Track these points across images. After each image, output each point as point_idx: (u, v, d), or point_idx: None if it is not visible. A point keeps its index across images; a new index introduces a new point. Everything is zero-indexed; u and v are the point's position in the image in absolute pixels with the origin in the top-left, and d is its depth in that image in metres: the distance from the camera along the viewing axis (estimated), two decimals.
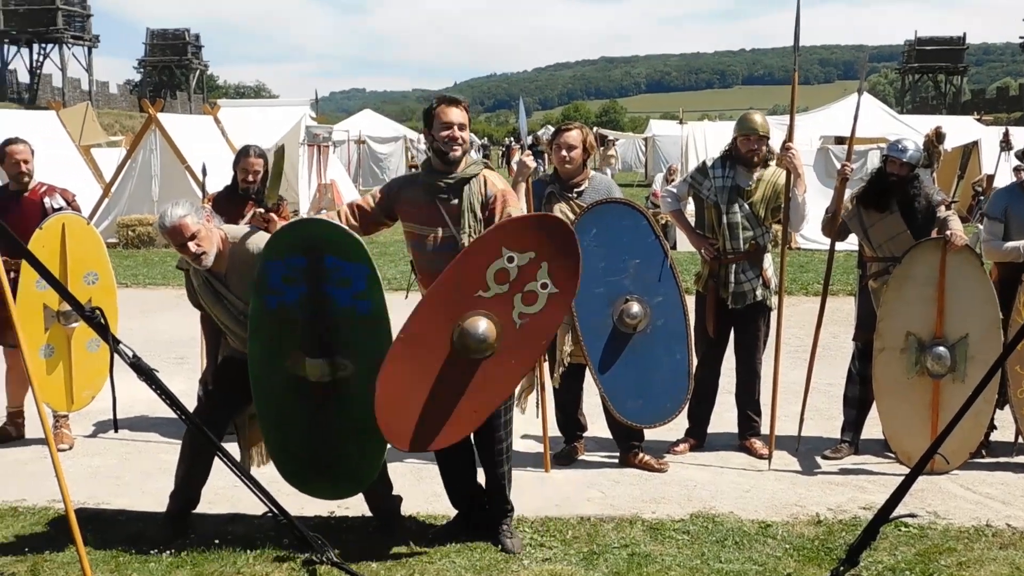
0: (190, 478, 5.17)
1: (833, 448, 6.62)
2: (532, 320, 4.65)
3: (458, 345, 4.64)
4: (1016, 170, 14.02)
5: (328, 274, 4.76)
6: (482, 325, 4.61)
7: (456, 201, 4.94)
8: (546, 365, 6.23)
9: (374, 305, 4.79)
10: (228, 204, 6.59)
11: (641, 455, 6.32)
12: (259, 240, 5.04)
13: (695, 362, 6.34)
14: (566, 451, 6.49)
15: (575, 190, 6.24)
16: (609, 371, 6.11)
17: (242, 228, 5.22)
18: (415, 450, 4.82)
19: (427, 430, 4.71)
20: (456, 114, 4.92)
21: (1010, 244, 6.34)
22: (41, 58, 61.87)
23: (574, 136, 6.20)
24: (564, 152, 6.19)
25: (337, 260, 4.75)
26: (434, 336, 4.65)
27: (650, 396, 6.15)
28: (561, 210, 6.18)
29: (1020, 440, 6.39)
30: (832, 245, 6.65)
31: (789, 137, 6.30)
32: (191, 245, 4.91)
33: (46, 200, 6.70)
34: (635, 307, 6.06)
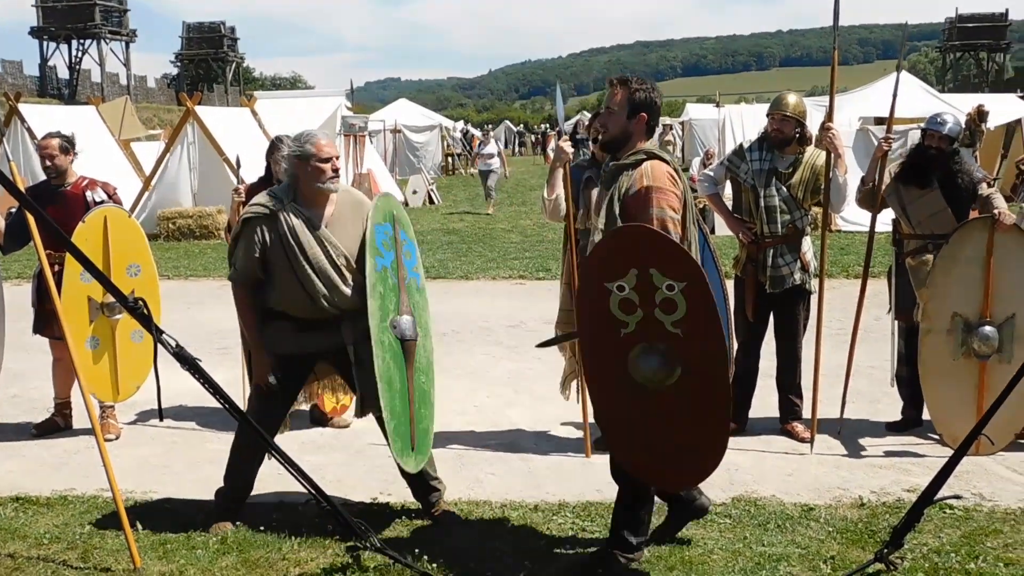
0: (240, 465, 5.24)
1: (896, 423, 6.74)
2: (689, 322, 4.16)
3: (645, 382, 4.27)
4: None
5: (401, 245, 5.12)
6: (654, 357, 4.22)
7: (609, 193, 4.51)
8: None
9: (421, 279, 5.26)
10: None
11: None
12: (356, 193, 5.32)
13: (735, 347, 6.30)
14: None
15: None
16: None
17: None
18: (681, 489, 4.78)
19: (681, 466, 4.44)
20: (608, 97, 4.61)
21: None
22: (80, 54, 62.59)
23: None
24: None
25: (404, 234, 5.15)
26: (619, 383, 4.35)
27: None
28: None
29: None
30: (872, 225, 6.57)
31: (829, 118, 6.25)
32: (337, 162, 5.06)
33: (88, 194, 6.78)
34: None
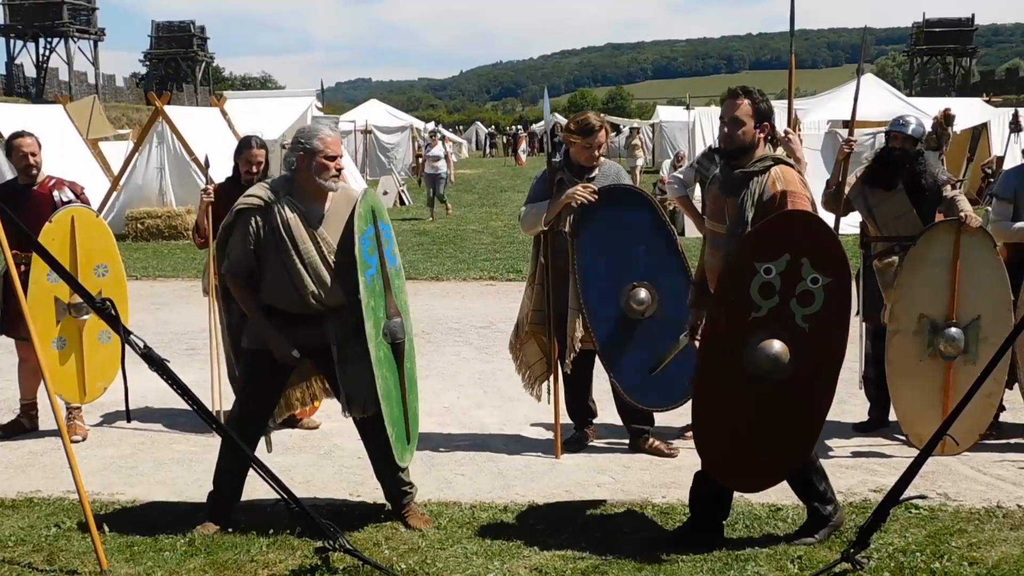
0: (227, 467, 5.18)
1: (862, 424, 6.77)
2: (819, 318, 4.39)
3: (755, 371, 4.44)
4: None
5: (381, 234, 5.09)
6: (775, 345, 4.41)
7: (737, 199, 4.67)
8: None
9: (398, 260, 5.26)
10: (230, 195, 6.55)
11: (651, 440, 6.33)
12: (350, 190, 5.26)
13: None
14: (577, 437, 6.51)
15: (586, 176, 6.23)
16: (618, 356, 6.13)
17: None
18: (758, 490, 4.88)
19: (763, 465, 4.64)
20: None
21: (1019, 224, 6.34)
22: (47, 52, 61.87)
23: (603, 136, 6.21)
24: (596, 152, 6.19)
25: (382, 223, 5.11)
26: (729, 370, 4.50)
27: (659, 380, 6.15)
28: None
29: None
30: (836, 223, 6.61)
31: (788, 123, 6.29)
32: (340, 161, 5.04)
33: (55, 193, 6.72)
34: (642, 293, 6.07)
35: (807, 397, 4.47)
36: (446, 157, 23.47)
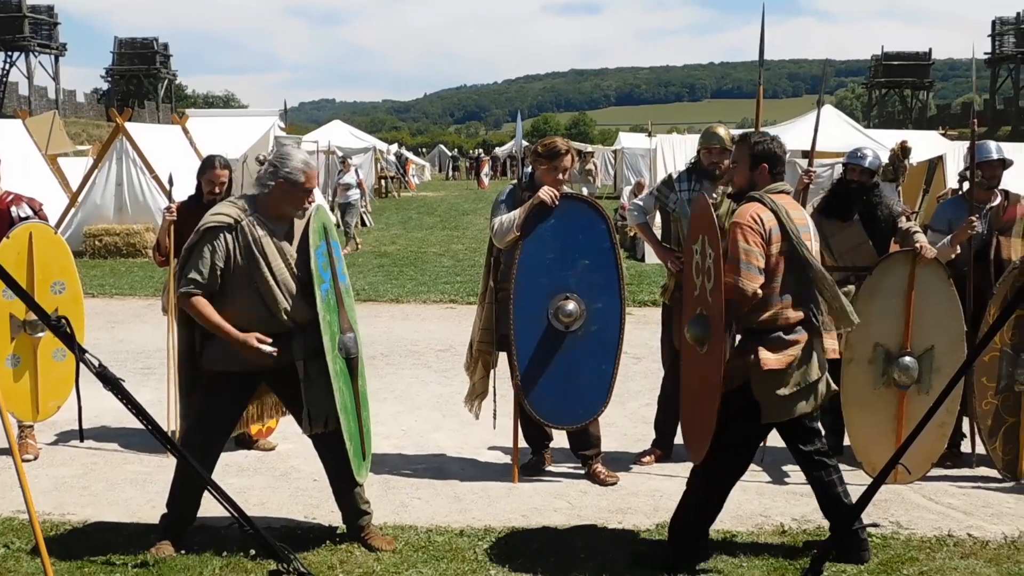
0: (183, 490, 5.10)
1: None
2: (715, 293, 4.71)
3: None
4: (960, 182, 14.20)
5: (333, 253, 5.13)
6: (698, 323, 4.83)
7: None
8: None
9: (347, 278, 5.28)
10: (193, 214, 6.49)
11: (595, 466, 6.32)
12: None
13: (617, 375, 6.28)
14: (534, 462, 6.51)
15: None
16: (532, 363, 6.09)
17: None
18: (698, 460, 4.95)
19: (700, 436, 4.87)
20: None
21: (944, 241, 6.49)
22: (7, 66, 61.34)
23: (569, 160, 6.24)
24: (562, 175, 6.21)
25: (332, 240, 5.17)
26: (692, 349, 5.03)
27: (566, 398, 6.15)
28: None
29: (979, 451, 6.47)
30: None
31: None
32: (313, 195, 5.07)
33: (13, 209, 6.65)
34: (571, 305, 6.05)
35: (705, 373, 4.80)
36: (359, 185, 21.73)
